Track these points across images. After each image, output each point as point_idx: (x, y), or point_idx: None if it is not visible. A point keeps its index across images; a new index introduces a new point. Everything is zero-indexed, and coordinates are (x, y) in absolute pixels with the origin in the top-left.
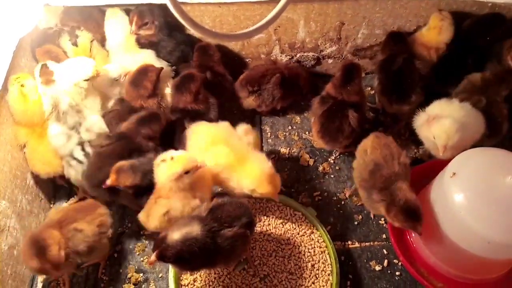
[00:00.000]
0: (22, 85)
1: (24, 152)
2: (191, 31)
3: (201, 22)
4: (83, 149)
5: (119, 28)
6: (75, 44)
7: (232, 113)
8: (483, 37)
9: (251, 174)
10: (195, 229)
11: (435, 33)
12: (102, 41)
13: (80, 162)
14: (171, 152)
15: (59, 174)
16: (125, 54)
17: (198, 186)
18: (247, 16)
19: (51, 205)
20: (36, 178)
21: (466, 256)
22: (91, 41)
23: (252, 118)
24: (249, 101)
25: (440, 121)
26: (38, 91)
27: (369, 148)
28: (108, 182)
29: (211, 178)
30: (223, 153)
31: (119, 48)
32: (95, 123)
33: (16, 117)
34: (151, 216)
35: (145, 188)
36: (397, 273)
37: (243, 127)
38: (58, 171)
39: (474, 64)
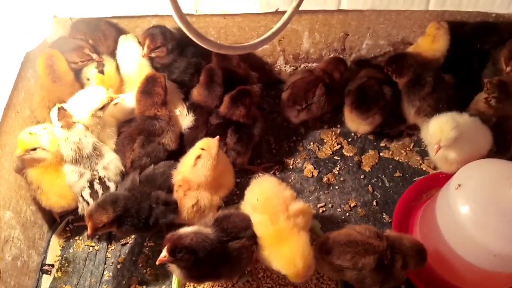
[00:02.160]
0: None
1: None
2: None
3: (206, 33)
4: (91, 187)
5: (132, 55)
6: (101, 72)
7: None
8: (477, 44)
9: (284, 256)
10: (206, 230)
11: (428, 41)
12: (108, 53)
13: (86, 202)
14: (194, 149)
15: (72, 208)
16: (140, 80)
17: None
18: (251, 27)
19: (56, 217)
20: None
21: (472, 269)
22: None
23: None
24: (300, 118)
25: (438, 117)
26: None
27: (344, 258)
28: (89, 232)
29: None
30: (265, 224)
31: (133, 75)
32: (111, 161)
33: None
34: (179, 209)
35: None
36: (402, 286)
37: (296, 206)
38: (72, 205)
39: (479, 65)
